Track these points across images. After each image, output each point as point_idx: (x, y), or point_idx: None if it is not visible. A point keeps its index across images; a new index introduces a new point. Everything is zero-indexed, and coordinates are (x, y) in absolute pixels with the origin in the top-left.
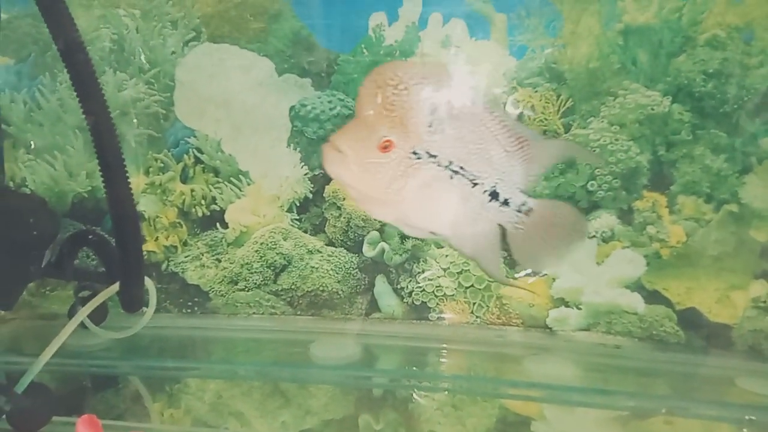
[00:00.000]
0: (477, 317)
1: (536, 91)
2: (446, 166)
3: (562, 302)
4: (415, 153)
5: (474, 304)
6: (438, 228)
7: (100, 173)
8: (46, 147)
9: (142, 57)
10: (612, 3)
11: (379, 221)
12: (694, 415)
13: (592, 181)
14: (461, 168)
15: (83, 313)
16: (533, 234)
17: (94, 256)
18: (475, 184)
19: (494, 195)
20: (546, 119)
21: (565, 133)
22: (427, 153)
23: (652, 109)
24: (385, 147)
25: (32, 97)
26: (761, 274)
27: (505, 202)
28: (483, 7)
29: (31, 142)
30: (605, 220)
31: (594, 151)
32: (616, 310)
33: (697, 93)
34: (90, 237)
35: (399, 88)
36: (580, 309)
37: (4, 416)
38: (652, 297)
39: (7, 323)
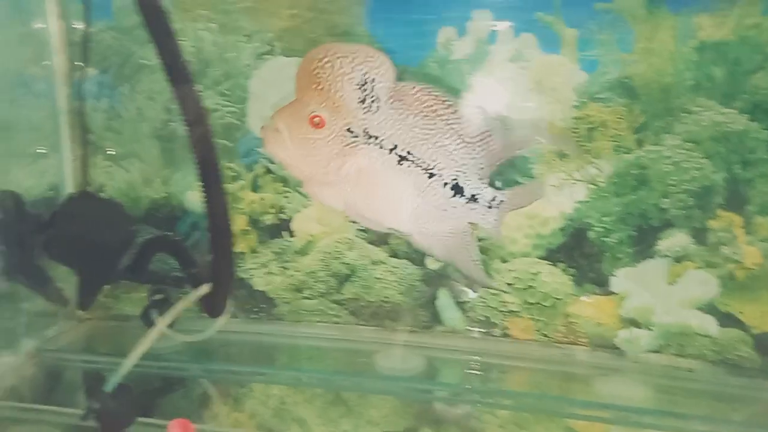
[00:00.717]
0: (543, 335)
1: (608, 107)
2: (391, 149)
3: (632, 322)
4: (350, 131)
5: (540, 321)
6: (395, 223)
7: (199, 183)
8: (123, 154)
9: (218, 69)
10: (687, 19)
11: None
12: None
13: (665, 199)
14: (409, 153)
15: (172, 314)
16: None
17: (166, 261)
18: (431, 175)
19: (457, 189)
20: (618, 135)
21: (638, 148)
22: (365, 132)
23: (728, 127)
24: (316, 123)
25: (112, 106)
26: None
27: (473, 198)
28: (553, 22)
29: (109, 149)
30: (678, 239)
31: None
32: (688, 332)
33: None
34: (168, 241)
35: (323, 61)
36: (650, 330)
37: (93, 416)
38: (727, 320)
39: (83, 323)
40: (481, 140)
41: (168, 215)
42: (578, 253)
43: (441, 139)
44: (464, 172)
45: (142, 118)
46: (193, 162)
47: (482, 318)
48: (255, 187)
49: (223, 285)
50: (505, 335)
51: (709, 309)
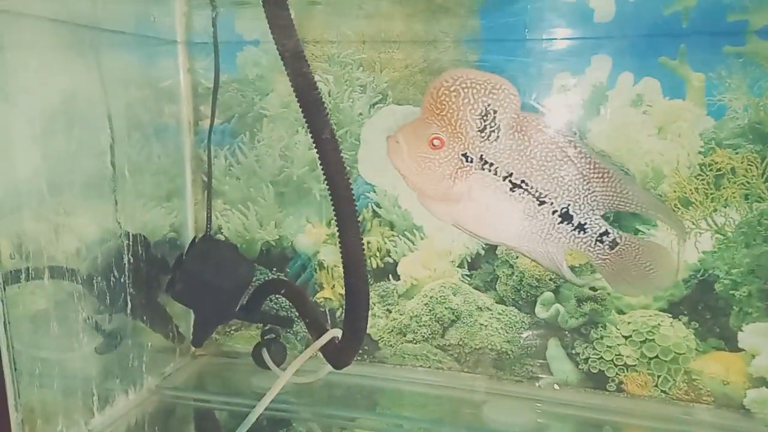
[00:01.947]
0: (662, 391)
1: (737, 153)
2: (505, 177)
3: (763, 382)
4: (465, 156)
5: (659, 376)
6: (501, 240)
7: (337, 233)
8: (240, 198)
9: (332, 119)
10: None
11: (554, 282)
12: None
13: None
14: (523, 182)
15: (300, 360)
16: (621, 268)
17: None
18: (542, 202)
19: (566, 217)
20: (748, 182)
21: None
22: (481, 159)
23: None
24: (435, 144)
25: (232, 153)
26: None
27: (581, 227)
28: (678, 66)
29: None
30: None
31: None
32: None
33: None
34: (283, 290)
35: (450, 89)
36: None
37: None
38: None
39: (196, 359)
40: (599, 177)
41: (280, 256)
42: (703, 306)
43: (557, 170)
44: (576, 202)
45: (260, 165)
46: (305, 207)
47: (596, 371)
48: (363, 231)
49: (356, 336)
50: (620, 390)
51: None
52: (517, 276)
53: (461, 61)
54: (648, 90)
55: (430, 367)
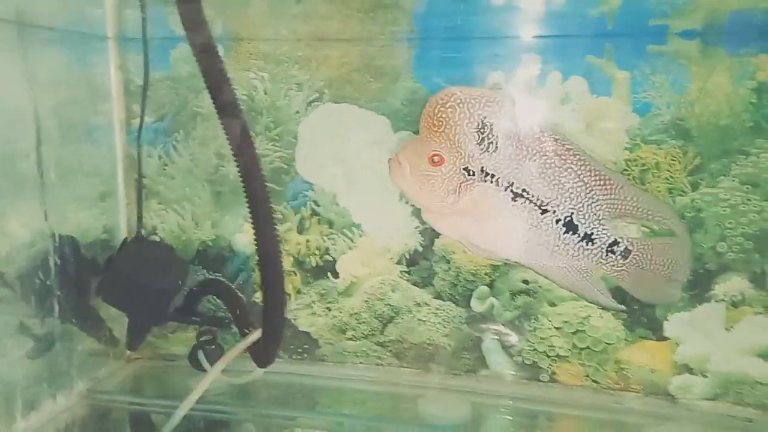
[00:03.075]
0: (593, 381)
1: (661, 148)
2: (506, 187)
3: (687, 369)
4: (467, 170)
5: (589, 366)
6: (509, 254)
7: (252, 230)
8: (176, 198)
9: (268, 116)
10: (745, 60)
11: (489, 276)
12: None
13: (722, 243)
14: (524, 191)
15: (224, 361)
16: (641, 275)
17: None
18: (545, 211)
19: (570, 226)
20: (672, 176)
21: (693, 191)
22: (482, 171)
23: None
24: (435, 161)
25: (167, 152)
26: None
27: (588, 238)
28: (604, 65)
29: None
30: (735, 284)
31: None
32: (747, 380)
33: None
34: (217, 284)
35: (446, 106)
36: (706, 377)
37: None
38: None
39: (131, 363)
40: (601, 184)
41: (217, 256)
42: (630, 296)
43: (557, 177)
44: (580, 211)
45: (195, 163)
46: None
47: (530, 362)
48: (301, 230)
49: (274, 334)
50: (553, 380)
51: None
52: (453, 271)
53: (398, 59)
54: (576, 88)
55: (370, 363)
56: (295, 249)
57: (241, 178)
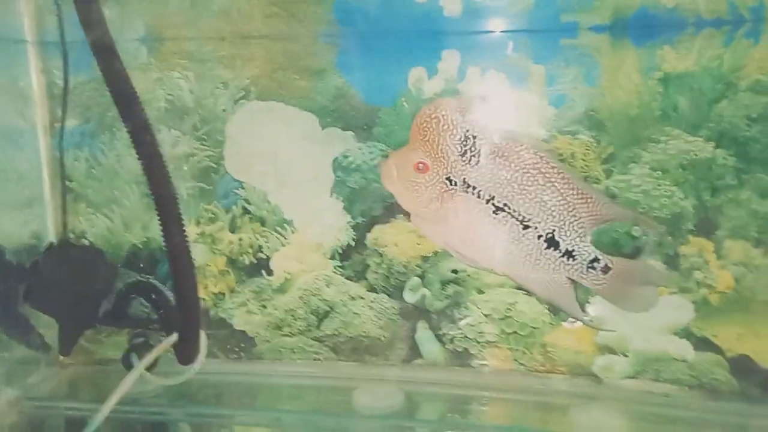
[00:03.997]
0: (521, 364)
1: (576, 138)
2: (488, 200)
3: (608, 349)
4: (449, 179)
5: (517, 350)
6: (490, 264)
7: (160, 228)
8: (104, 201)
9: (195, 115)
10: (651, 52)
11: (420, 267)
12: None
13: (636, 227)
14: (506, 205)
15: (141, 366)
16: (620, 288)
17: (146, 305)
18: (526, 227)
19: (552, 242)
20: (587, 165)
21: (607, 179)
22: (464, 182)
23: (696, 155)
24: (420, 168)
25: (93, 155)
26: None
27: (569, 254)
28: (520, 59)
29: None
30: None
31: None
32: (664, 358)
33: (741, 138)
34: (146, 286)
35: (431, 116)
36: (626, 356)
37: None
38: (702, 344)
39: (65, 368)
40: (583, 201)
41: (149, 259)
42: None
43: (539, 195)
44: (562, 228)
45: (122, 165)
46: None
47: (461, 350)
48: (233, 228)
49: (190, 333)
50: (484, 366)
51: (685, 334)
52: (386, 264)
53: (322, 56)
54: (494, 82)
55: (307, 359)
56: (227, 248)
57: (145, 176)
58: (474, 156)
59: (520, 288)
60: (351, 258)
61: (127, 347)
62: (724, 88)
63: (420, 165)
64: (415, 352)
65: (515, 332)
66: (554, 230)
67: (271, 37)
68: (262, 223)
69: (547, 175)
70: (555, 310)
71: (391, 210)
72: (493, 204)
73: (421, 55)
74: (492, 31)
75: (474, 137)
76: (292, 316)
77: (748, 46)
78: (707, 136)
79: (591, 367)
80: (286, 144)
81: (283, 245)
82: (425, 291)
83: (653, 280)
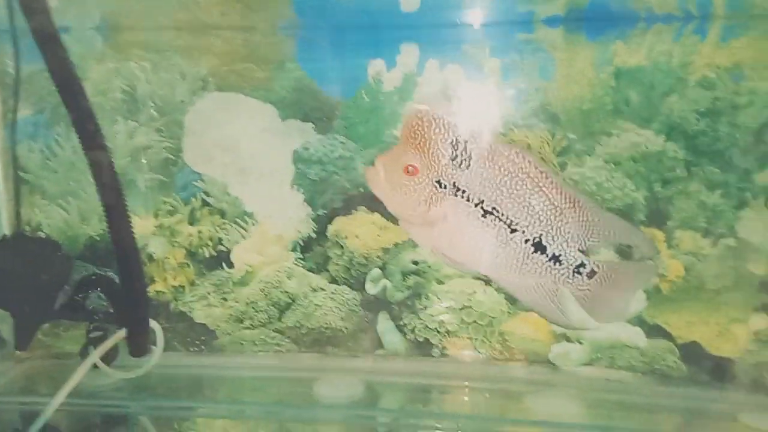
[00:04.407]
0: (480, 353)
1: (532, 131)
2: (477, 204)
3: (564, 337)
4: (439, 182)
5: (477, 340)
6: (477, 267)
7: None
8: (60, 193)
9: (153, 107)
10: (603, 47)
11: (381, 259)
12: None
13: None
14: (494, 209)
15: (91, 359)
16: (603, 294)
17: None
18: (514, 230)
19: (539, 247)
20: (543, 158)
21: (562, 171)
22: (454, 185)
23: (646, 147)
24: (410, 171)
25: (48, 146)
26: (761, 308)
27: (556, 259)
28: (477, 53)
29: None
30: (603, 256)
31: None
32: (617, 345)
33: (690, 131)
34: (102, 279)
35: (423, 119)
36: (581, 344)
37: None
38: (654, 331)
39: (22, 363)
40: (571, 206)
41: (106, 251)
42: None
43: (528, 199)
44: (549, 233)
45: (78, 156)
46: (130, 198)
47: (422, 339)
48: (193, 221)
49: (139, 326)
50: (444, 355)
51: (637, 321)
52: (347, 256)
53: (281, 48)
54: (453, 76)
55: (269, 351)
56: (186, 240)
57: (89, 166)
58: (465, 160)
59: (478, 278)
60: (312, 250)
61: (85, 341)
62: (674, 83)
63: (409, 168)
64: (376, 342)
65: (475, 322)
66: (542, 234)
67: (230, 27)
68: (222, 215)
69: (536, 179)
70: (512, 300)
71: (352, 202)
72: (482, 207)
73: (381, 48)
74: (450, 25)
75: (465, 141)
76: (254, 308)
77: (696, 41)
78: (658, 129)
79: (547, 354)
80: (246, 136)
81: (244, 238)
82: (386, 282)
83: (638, 282)
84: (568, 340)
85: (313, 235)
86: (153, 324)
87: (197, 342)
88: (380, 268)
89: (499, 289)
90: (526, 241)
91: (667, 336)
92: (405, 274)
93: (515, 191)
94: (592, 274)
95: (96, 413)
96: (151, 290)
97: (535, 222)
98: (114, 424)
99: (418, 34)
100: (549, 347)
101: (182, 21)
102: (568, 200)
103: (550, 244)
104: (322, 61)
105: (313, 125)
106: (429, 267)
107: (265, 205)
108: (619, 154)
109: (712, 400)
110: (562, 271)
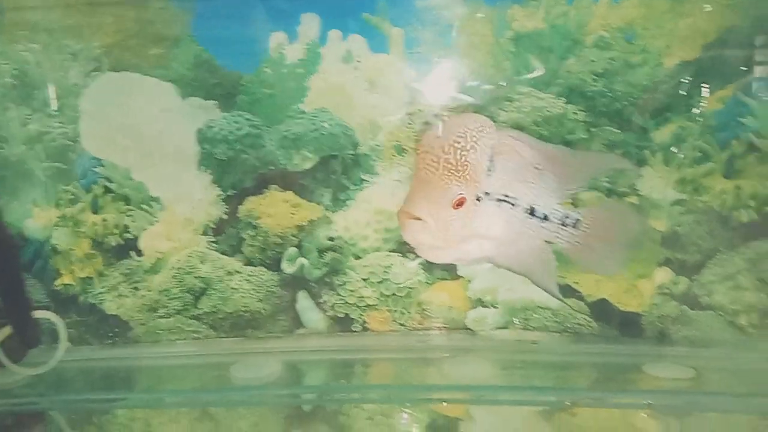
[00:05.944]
0: (400, 324)
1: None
2: (499, 199)
3: (480, 302)
4: (478, 198)
5: (395, 311)
6: (484, 253)
7: None
8: None
9: (45, 90)
10: (501, 12)
11: (297, 237)
12: (607, 405)
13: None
14: (505, 195)
15: None
16: (593, 242)
17: None
18: (514, 206)
19: (532, 211)
20: None
21: None
22: (485, 193)
23: (548, 111)
24: (460, 203)
25: None
26: (664, 262)
27: (545, 218)
28: (380, 22)
29: None
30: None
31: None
32: (530, 306)
33: (588, 93)
34: None
35: (466, 148)
36: (496, 308)
37: None
38: (564, 291)
39: None
40: (551, 164)
41: None
42: None
43: (522, 173)
44: (538, 195)
45: None
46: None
47: (342, 315)
48: (96, 209)
49: (20, 319)
50: (365, 329)
51: None
52: (261, 236)
53: (176, 22)
54: (356, 46)
55: (186, 339)
56: (91, 230)
57: None
58: (495, 165)
59: (394, 251)
60: (224, 232)
61: None
62: (572, 45)
63: (461, 200)
64: (297, 322)
65: (393, 294)
66: (534, 200)
67: (121, 3)
68: (127, 201)
69: (520, 151)
70: (429, 269)
71: (263, 181)
72: (495, 198)
73: (280, 20)
74: None
75: (493, 150)
76: (167, 296)
77: (590, 3)
78: (558, 92)
79: (464, 320)
80: (146, 117)
81: (151, 223)
82: (303, 260)
83: (629, 226)
84: (483, 304)
85: (225, 217)
86: (54, 317)
87: (110, 334)
88: (296, 247)
89: (416, 260)
90: (525, 211)
91: (578, 295)
92: (321, 251)
93: (516, 171)
94: (577, 224)
95: (8, 412)
96: (59, 283)
97: (528, 191)
98: (28, 422)
99: (319, 3)
100: (465, 313)
101: None
102: (543, 158)
103: (538, 206)
104: (220, 36)
105: (217, 102)
106: (345, 242)
107: (171, 188)
108: (522, 119)
109: (621, 354)
110: (550, 228)
